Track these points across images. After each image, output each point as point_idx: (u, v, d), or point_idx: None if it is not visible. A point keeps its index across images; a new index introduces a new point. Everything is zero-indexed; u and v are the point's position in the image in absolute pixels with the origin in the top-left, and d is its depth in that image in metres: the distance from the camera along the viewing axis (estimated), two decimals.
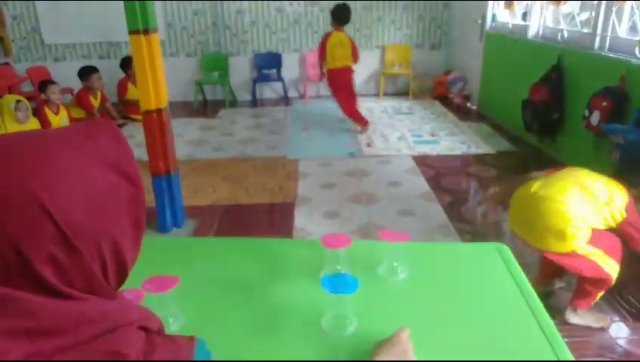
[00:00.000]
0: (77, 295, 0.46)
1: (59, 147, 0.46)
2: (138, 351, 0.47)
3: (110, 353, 0.45)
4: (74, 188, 0.45)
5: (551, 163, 3.91)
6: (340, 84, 4.82)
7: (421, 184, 3.54)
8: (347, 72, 4.77)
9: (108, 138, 0.50)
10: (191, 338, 0.56)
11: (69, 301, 0.45)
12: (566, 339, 0.96)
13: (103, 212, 0.47)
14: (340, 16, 4.68)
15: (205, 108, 6.25)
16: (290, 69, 6.59)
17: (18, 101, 3.90)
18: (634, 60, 3.09)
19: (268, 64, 6.44)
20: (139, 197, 0.51)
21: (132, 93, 5.51)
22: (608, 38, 3.47)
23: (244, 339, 0.95)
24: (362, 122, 4.87)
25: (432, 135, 4.77)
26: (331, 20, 4.75)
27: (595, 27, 3.58)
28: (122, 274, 0.52)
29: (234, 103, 6.39)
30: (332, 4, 6.23)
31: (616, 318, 2.07)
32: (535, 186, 1.90)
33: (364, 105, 6.10)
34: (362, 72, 6.73)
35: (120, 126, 5.38)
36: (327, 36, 4.72)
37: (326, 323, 0.99)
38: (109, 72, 5.71)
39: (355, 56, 4.78)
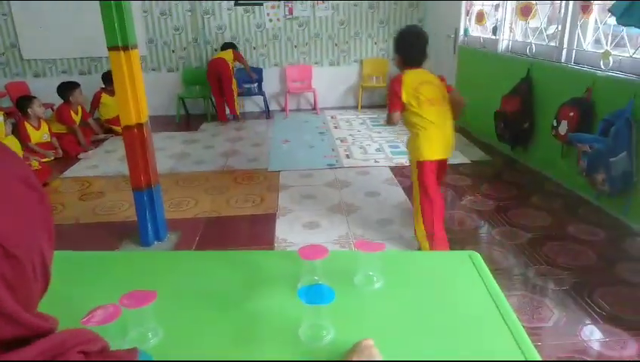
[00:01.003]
0: (24, 318, 0.46)
1: None
2: None
3: None
4: (4, 207, 0.45)
5: (523, 171, 4.05)
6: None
7: (399, 194, 3.63)
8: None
9: (6, 153, 0.50)
10: (132, 350, 0.57)
11: (5, 353, 0.45)
12: (538, 343, 1.01)
13: (27, 222, 0.48)
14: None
15: (188, 122, 6.28)
16: (271, 82, 6.68)
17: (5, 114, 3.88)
18: (599, 72, 3.24)
19: (249, 78, 6.52)
20: (44, 202, 0.52)
21: (107, 105, 5.52)
22: (574, 51, 3.64)
23: (222, 351, 0.97)
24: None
25: None
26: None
27: (561, 41, 3.74)
28: (46, 279, 0.52)
29: (216, 117, 6.44)
30: (337, 4, 6.35)
31: (588, 321, 2.12)
32: (433, 117, 2.60)
33: (343, 117, 6.22)
34: (341, 86, 6.87)
35: (102, 140, 5.38)
36: None
37: (303, 333, 1.01)
38: (90, 88, 5.71)
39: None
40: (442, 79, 2.79)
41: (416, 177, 2.75)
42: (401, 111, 2.66)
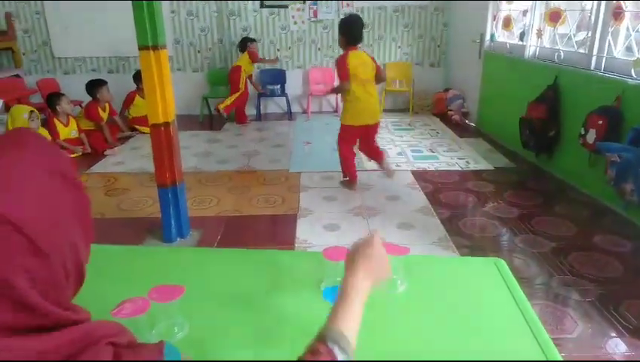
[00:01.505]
0: (51, 311, 0.46)
1: None
2: None
3: None
4: (27, 197, 0.44)
5: (547, 179, 3.99)
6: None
7: (420, 198, 3.61)
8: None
9: (39, 145, 0.49)
10: (159, 344, 0.56)
11: (37, 336, 0.45)
12: (561, 354, 0.99)
13: (58, 216, 0.47)
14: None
15: (211, 122, 6.36)
16: (293, 84, 6.72)
17: (32, 111, 4.01)
18: (629, 80, 3.17)
19: (272, 80, 6.57)
20: (83, 199, 0.51)
21: (138, 106, 5.63)
22: (604, 59, 3.56)
23: (246, 349, 0.98)
24: None
25: (432, 151, 4.86)
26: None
27: (591, 48, 3.67)
28: (80, 279, 0.51)
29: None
30: (362, 7, 6.41)
31: (613, 334, 2.08)
32: (360, 94, 3.52)
33: None
34: None
35: (127, 138, 5.49)
36: None
37: None
38: (118, 86, 5.84)
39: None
40: (373, 60, 3.65)
41: (338, 134, 3.82)
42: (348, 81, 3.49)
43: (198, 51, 6.61)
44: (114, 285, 1.24)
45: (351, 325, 0.74)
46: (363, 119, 3.63)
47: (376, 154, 3.89)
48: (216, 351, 1.01)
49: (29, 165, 0.46)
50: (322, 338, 0.69)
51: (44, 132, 4.23)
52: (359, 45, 3.64)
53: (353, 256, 0.87)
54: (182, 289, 1.05)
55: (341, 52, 3.67)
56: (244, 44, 5.99)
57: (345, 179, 3.92)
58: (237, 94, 6.00)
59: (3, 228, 0.42)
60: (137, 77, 5.66)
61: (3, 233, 0.42)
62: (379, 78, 3.66)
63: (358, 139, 3.82)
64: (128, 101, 5.71)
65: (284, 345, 0.99)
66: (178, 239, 2.95)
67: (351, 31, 3.59)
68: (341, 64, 3.54)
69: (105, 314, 0.97)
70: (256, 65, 6.23)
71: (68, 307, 0.49)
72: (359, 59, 3.55)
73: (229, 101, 6.00)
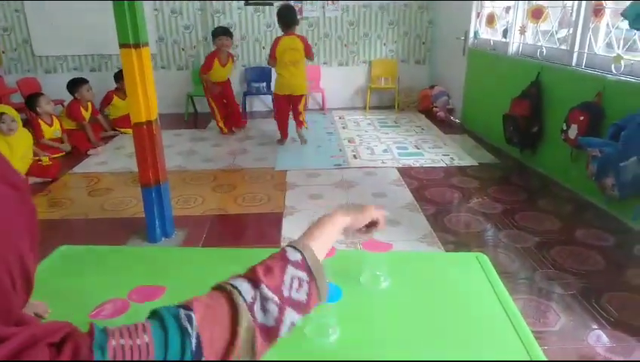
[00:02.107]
0: None
1: None
2: None
3: None
4: None
5: (531, 174, 4.03)
6: None
7: (406, 195, 3.63)
8: None
9: None
10: (89, 328, 0.52)
11: None
12: (544, 347, 1.00)
13: (5, 226, 0.45)
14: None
15: (196, 120, 6.31)
16: None
17: (2, 113, 3.88)
18: (610, 76, 3.21)
19: (258, 78, 6.53)
20: (27, 202, 0.49)
21: (116, 107, 5.56)
22: (585, 55, 3.61)
23: None
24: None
25: (417, 147, 4.88)
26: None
27: (572, 44, 3.72)
28: (29, 288, 0.49)
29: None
30: (347, 5, 6.38)
31: (595, 326, 2.10)
32: (284, 73, 4.73)
33: (351, 118, 6.23)
34: (349, 86, 6.87)
35: (110, 137, 5.42)
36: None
37: (309, 331, 1.01)
38: (100, 85, 5.76)
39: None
40: (304, 41, 4.68)
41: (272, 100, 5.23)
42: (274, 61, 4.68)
43: (183, 49, 6.55)
44: (94, 286, 1.22)
45: (318, 245, 0.75)
46: (286, 90, 4.78)
47: (297, 121, 4.96)
48: None
49: None
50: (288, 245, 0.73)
51: (24, 133, 4.13)
52: (294, 29, 4.68)
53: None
54: (163, 290, 1.04)
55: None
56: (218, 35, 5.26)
57: (278, 138, 5.10)
58: (212, 106, 5.51)
59: None
60: (118, 76, 5.58)
61: None
62: (308, 58, 4.74)
63: (290, 106, 4.95)
64: (106, 101, 5.62)
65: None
66: (163, 239, 2.93)
67: (281, 18, 4.65)
68: (272, 47, 4.68)
69: (84, 316, 0.96)
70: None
71: (17, 321, 0.47)
72: (289, 44, 4.59)
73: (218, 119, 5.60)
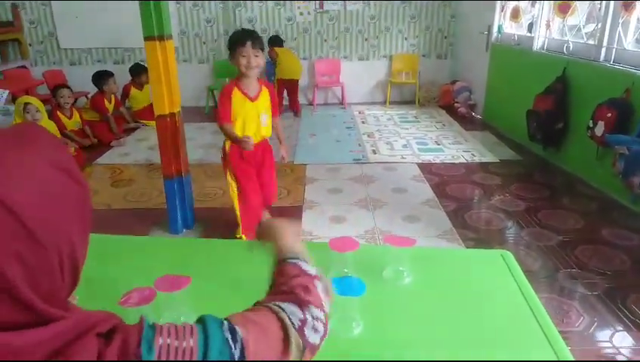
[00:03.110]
0: (39, 307, 0.44)
1: (3, 148, 0.45)
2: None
3: None
4: (28, 185, 0.43)
5: (554, 172, 3.96)
6: None
7: (426, 191, 3.60)
8: None
9: (45, 140, 0.49)
10: (140, 321, 0.53)
11: (17, 332, 0.43)
12: (568, 347, 0.97)
13: (57, 209, 0.46)
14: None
15: (217, 114, 6.34)
16: None
17: (27, 104, 3.99)
18: (639, 72, 3.14)
19: (272, 71, 6.53)
20: (85, 195, 0.50)
21: (135, 98, 5.64)
22: (614, 50, 3.52)
23: None
24: None
25: (437, 143, 4.83)
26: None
27: (601, 39, 3.63)
28: (75, 276, 0.50)
29: None
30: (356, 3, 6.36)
31: (620, 327, 2.06)
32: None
33: (371, 113, 6.19)
34: (370, 81, 6.83)
35: (133, 129, 5.50)
36: None
37: (333, 325, 1.03)
38: (123, 77, 5.84)
39: None
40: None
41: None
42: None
43: (204, 42, 6.59)
44: (121, 275, 1.24)
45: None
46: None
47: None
48: None
49: (35, 158, 0.45)
50: (282, 260, 0.75)
51: (49, 124, 4.22)
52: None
53: (269, 236, 0.92)
54: (188, 280, 1.05)
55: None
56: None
57: None
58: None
59: None
60: (133, 70, 5.67)
61: None
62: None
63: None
64: (124, 94, 5.71)
65: None
66: (184, 230, 2.96)
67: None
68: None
69: (112, 303, 0.98)
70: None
71: (60, 307, 0.47)
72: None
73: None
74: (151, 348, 0.49)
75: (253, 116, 2.54)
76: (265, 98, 2.56)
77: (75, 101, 5.34)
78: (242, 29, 2.67)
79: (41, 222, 0.43)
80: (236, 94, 2.48)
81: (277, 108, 2.73)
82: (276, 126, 2.76)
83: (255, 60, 2.37)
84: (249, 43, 2.33)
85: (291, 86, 6.06)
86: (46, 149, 0.47)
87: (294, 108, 6.19)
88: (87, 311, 0.50)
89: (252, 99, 2.51)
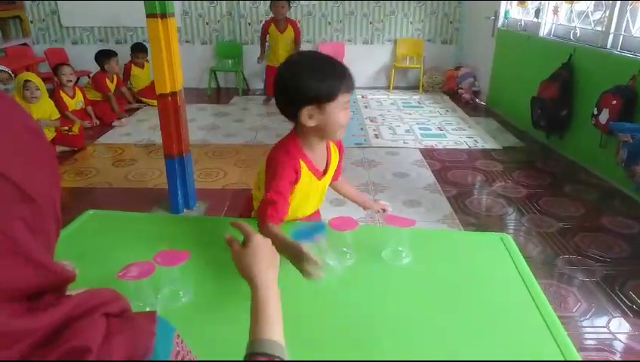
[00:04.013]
0: (50, 265, 0.45)
1: None
2: (98, 341, 0.44)
3: (71, 349, 0.42)
4: (12, 149, 0.44)
5: (557, 159, 3.94)
6: None
7: (427, 176, 3.59)
8: None
9: (13, 104, 0.48)
10: (151, 314, 0.52)
11: (31, 315, 0.42)
12: (566, 331, 0.98)
13: (40, 170, 0.47)
14: None
15: (218, 95, 6.32)
16: None
17: (27, 81, 3.96)
18: None
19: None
20: (47, 145, 0.50)
21: (136, 76, 5.61)
22: (622, 37, 3.47)
23: (246, 315, 1.00)
24: None
25: (440, 129, 4.81)
26: None
27: (608, 26, 3.58)
28: (59, 224, 0.50)
29: (247, 91, 6.46)
30: None
31: (617, 313, 2.07)
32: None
33: (374, 97, 6.15)
34: (373, 65, 6.76)
35: (135, 109, 5.48)
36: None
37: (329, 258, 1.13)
38: (125, 57, 5.79)
39: None
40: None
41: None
42: None
43: (207, 23, 6.52)
44: (120, 249, 1.25)
45: (276, 327, 0.77)
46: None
47: None
48: (220, 317, 1.02)
49: (11, 123, 0.45)
50: (256, 352, 0.72)
51: (48, 103, 4.19)
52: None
53: (243, 266, 0.91)
54: (187, 255, 1.05)
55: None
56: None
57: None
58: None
59: None
60: (134, 48, 5.65)
61: None
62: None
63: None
64: (126, 73, 5.67)
65: (288, 311, 0.99)
66: (184, 210, 2.96)
67: None
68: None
69: (111, 276, 0.98)
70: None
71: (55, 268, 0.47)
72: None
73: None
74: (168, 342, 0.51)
75: (316, 191, 1.55)
76: (334, 165, 1.57)
77: (78, 80, 5.32)
78: (330, 59, 1.31)
79: (31, 183, 0.44)
80: (304, 169, 1.40)
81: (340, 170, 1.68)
82: (343, 186, 1.80)
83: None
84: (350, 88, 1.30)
85: None
86: (17, 114, 0.47)
87: None
88: (91, 289, 0.50)
89: (321, 176, 1.48)
